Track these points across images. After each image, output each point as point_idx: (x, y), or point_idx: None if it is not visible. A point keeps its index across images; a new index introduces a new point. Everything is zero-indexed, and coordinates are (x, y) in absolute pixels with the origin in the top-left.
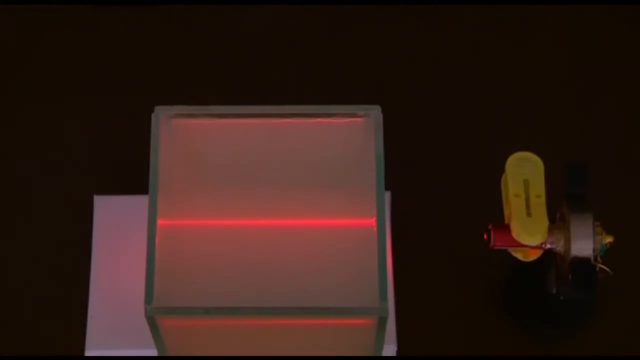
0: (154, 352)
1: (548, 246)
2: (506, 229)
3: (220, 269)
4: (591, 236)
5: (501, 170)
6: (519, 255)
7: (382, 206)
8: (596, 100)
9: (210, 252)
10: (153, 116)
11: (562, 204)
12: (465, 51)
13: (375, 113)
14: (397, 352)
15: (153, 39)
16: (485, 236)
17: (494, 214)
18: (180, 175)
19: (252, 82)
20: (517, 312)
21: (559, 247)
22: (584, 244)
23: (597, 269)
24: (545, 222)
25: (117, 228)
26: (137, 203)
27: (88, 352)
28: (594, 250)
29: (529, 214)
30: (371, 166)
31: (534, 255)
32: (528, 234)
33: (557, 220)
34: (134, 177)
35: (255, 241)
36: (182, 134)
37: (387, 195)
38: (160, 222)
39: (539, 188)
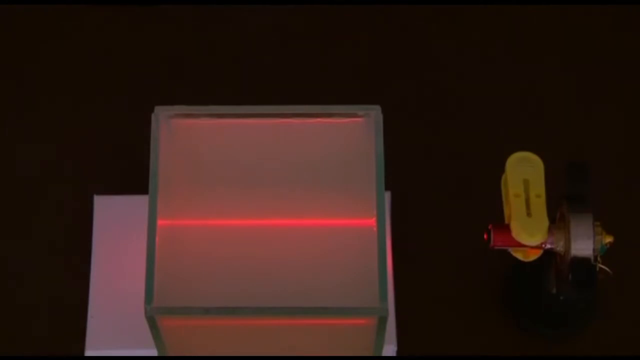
0: (154, 352)
1: (548, 246)
2: (506, 229)
3: (220, 269)
4: (591, 236)
5: (501, 170)
6: (519, 255)
7: (382, 206)
8: (596, 100)
9: (210, 252)
10: (153, 116)
11: (562, 204)
12: (465, 51)
13: (375, 113)
14: (397, 352)
15: (153, 39)
16: (485, 236)
17: (494, 214)
18: (180, 175)
19: (252, 82)
20: (517, 312)
21: (559, 247)
22: (584, 244)
23: (597, 269)
24: (545, 222)
25: (117, 228)
26: (137, 203)
27: (88, 352)
28: (594, 250)
29: (529, 214)
30: (371, 166)
31: (534, 255)
32: (528, 234)
33: (557, 220)
34: (134, 177)
35: (255, 241)
36: (182, 134)
37: (387, 195)
38: (160, 222)
39: (539, 188)
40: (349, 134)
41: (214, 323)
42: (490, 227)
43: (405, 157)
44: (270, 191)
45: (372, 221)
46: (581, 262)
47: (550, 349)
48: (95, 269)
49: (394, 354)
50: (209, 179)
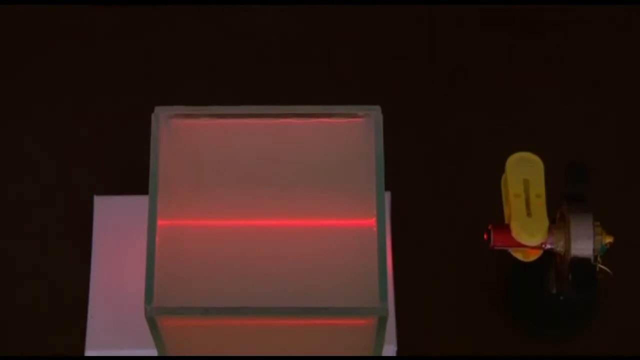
0: (154, 352)
1: (548, 246)
2: (506, 229)
3: (220, 269)
4: (591, 236)
5: (501, 170)
6: (519, 255)
7: (382, 206)
8: (596, 100)
9: (210, 252)
10: (153, 116)
11: (562, 204)
12: (465, 51)
13: (375, 113)
14: (397, 352)
15: (153, 39)
16: (485, 236)
17: (494, 214)
18: (180, 175)
19: (252, 82)
20: (517, 312)
21: (559, 247)
22: (584, 244)
23: (597, 269)
24: (545, 222)
25: (117, 228)
26: (137, 203)
27: (88, 352)
28: (594, 250)
29: (529, 214)
30: (371, 166)
31: (534, 256)
32: (528, 234)
33: (557, 220)
34: (134, 177)
35: (256, 241)
36: (182, 134)
37: (387, 195)
38: (160, 222)
39: (539, 188)
40: (349, 134)
41: (213, 323)
42: (490, 227)
43: (405, 157)
44: (270, 191)
45: (372, 221)
46: (581, 262)
47: (550, 349)
48: (95, 269)
49: (394, 354)
50: (209, 179)
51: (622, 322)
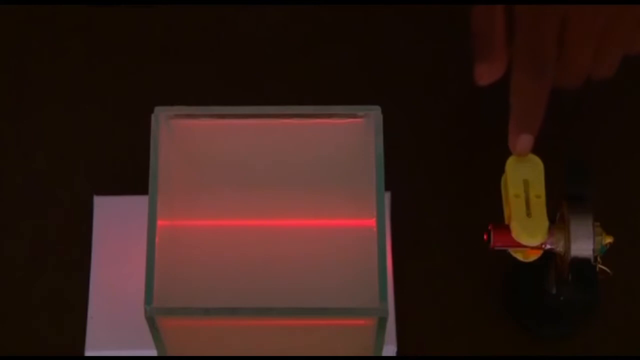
0: (154, 352)
1: (548, 246)
2: (506, 229)
3: (220, 269)
4: (591, 236)
5: (501, 170)
6: (519, 255)
7: (382, 206)
8: (596, 100)
9: (210, 252)
10: (153, 116)
11: (562, 204)
12: (465, 51)
13: (375, 113)
14: (397, 352)
15: (153, 39)
16: (485, 236)
17: (494, 214)
18: (180, 176)
19: (252, 82)
20: (517, 312)
21: (559, 247)
22: (584, 244)
23: (597, 269)
24: (545, 223)
25: (117, 228)
26: (137, 203)
27: (88, 352)
28: (594, 250)
29: (529, 215)
30: (371, 166)
31: (534, 256)
32: (528, 234)
33: (557, 220)
34: (134, 177)
35: (255, 241)
36: (182, 134)
37: (387, 195)
38: (160, 222)
39: (539, 188)
40: (349, 134)
41: (214, 323)
42: (490, 227)
43: (405, 157)
44: (270, 191)
45: (372, 221)
46: (581, 263)
47: (550, 349)
48: (95, 269)
49: (394, 354)
50: (209, 179)
51: (622, 322)
